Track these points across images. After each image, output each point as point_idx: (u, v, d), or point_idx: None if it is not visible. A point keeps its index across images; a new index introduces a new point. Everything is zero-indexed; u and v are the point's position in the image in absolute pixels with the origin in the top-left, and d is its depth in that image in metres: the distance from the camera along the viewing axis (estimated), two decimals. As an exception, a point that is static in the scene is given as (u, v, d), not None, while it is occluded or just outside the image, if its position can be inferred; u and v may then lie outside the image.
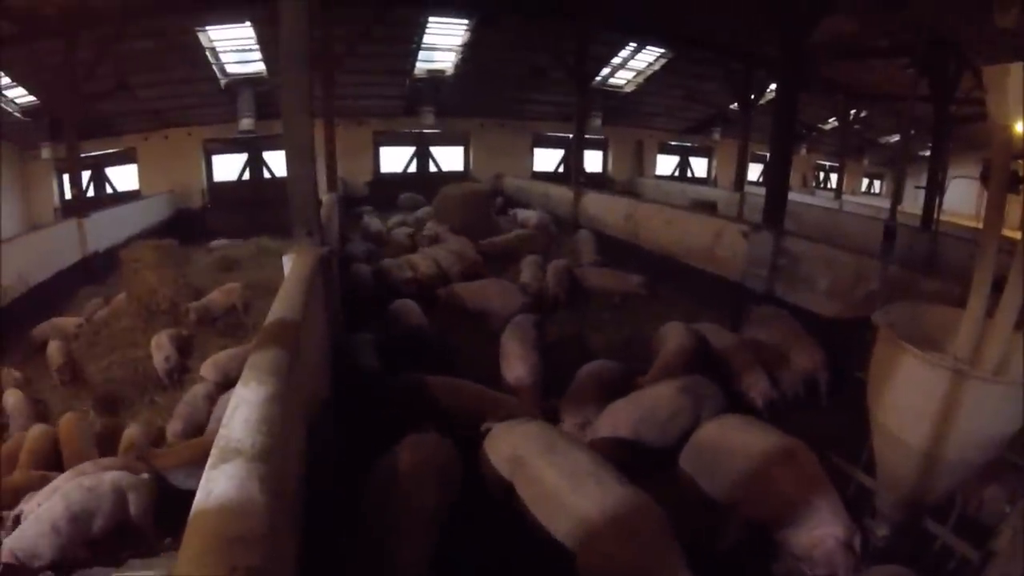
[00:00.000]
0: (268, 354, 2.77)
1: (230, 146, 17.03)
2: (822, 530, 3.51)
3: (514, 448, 3.76)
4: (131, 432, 5.70)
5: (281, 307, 3.48)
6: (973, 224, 13.25)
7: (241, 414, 2.34)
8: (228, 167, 17.48)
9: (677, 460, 4.32)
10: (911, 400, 3.40)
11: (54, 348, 7.65)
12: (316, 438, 3.34)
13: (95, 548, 4.25)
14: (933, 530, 3.78)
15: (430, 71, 17.13)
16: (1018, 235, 3.27)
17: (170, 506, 4.42)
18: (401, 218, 14.44)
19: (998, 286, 3.27)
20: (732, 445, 4.04)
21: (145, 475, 4.64)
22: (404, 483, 3.39)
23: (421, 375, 5.21)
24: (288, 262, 4.76)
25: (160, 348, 7.40)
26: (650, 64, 18.18)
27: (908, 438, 3.44)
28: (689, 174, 23.52)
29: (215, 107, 15.85)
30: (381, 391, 5.10)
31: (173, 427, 5.86)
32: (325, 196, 9.81)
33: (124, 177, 16.29)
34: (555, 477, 3.41)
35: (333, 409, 4.40)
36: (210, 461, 2.06)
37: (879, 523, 3.85)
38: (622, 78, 19.07)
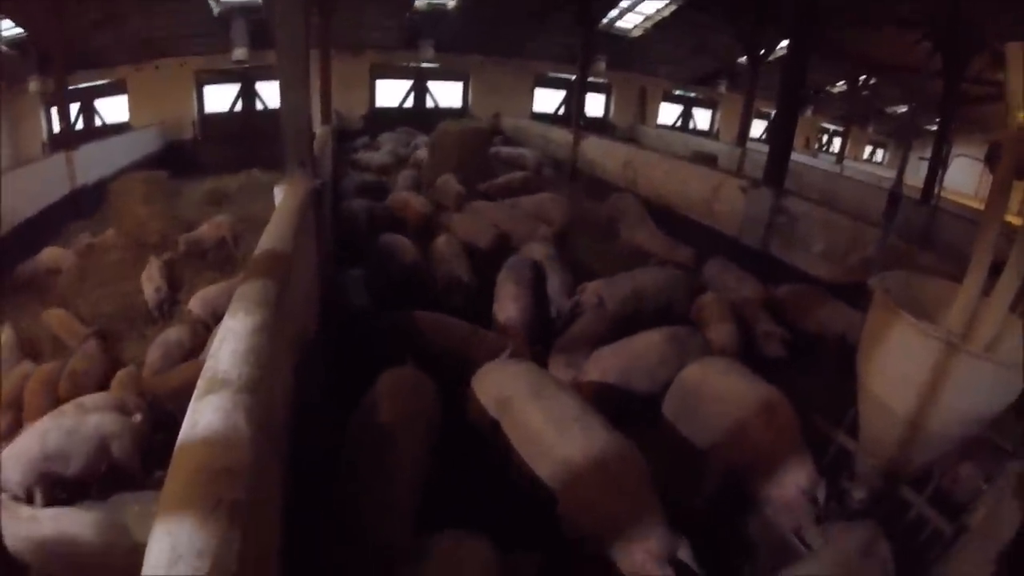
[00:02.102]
0: (257, 285, 2.71)
1: (223, 77, 16.43)
2: (787, 479, 3.58)
3: (502, 388, 3.77)
4: (127, 371, 5.58)
5: (271, 239, 3.39)
6: (971, 203, 13.25)
7: (228, 345, 2.30)
8: (220, 98, 16.87)
9: (661, 407, 4.36)
10: (901, 368, 3.43)
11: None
12: (304, 373, 3.31)
13: (77, 488, 4.23)
14: (909, 499, 3.85)
15: (431, 3, 16.48)
16: (1018, 220, 3.24)
17: (169, 435, 4.41)
18: (392, 148, 14.12)
19: (995, 268, 3.28)
20: (712, 390, 4.08)
21: (138, 416, 4.60)
22: (386, 423, 3.36)
23: (409, 311, 5.16)
24: (279, 193, 4.64)
25: (150, 280, 7.30)
26: (659, 10, 17.60)
27: (894, 405, 3.48)
28: (692, 126, 23.10)
29: (207, 37, 15.18)
30: (369, 328, 5.06)
31: (151, 357, 5.75)
32: (319, 128, 9.58)
33: (114, 109, 15.67)
34: (541, 420, 3.43)
35: (322, 345, 4.36)
36: (196, 392, 2.04)
37: (857, 486, 3.92)
38: (630, 22, 18.48)
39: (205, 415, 1.91)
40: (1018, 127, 3.08)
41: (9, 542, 3.51)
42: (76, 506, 3.64)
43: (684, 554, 2.87)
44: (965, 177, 17.71)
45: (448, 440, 3.75)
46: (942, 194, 10.48)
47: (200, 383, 2.08)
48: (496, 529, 2.89)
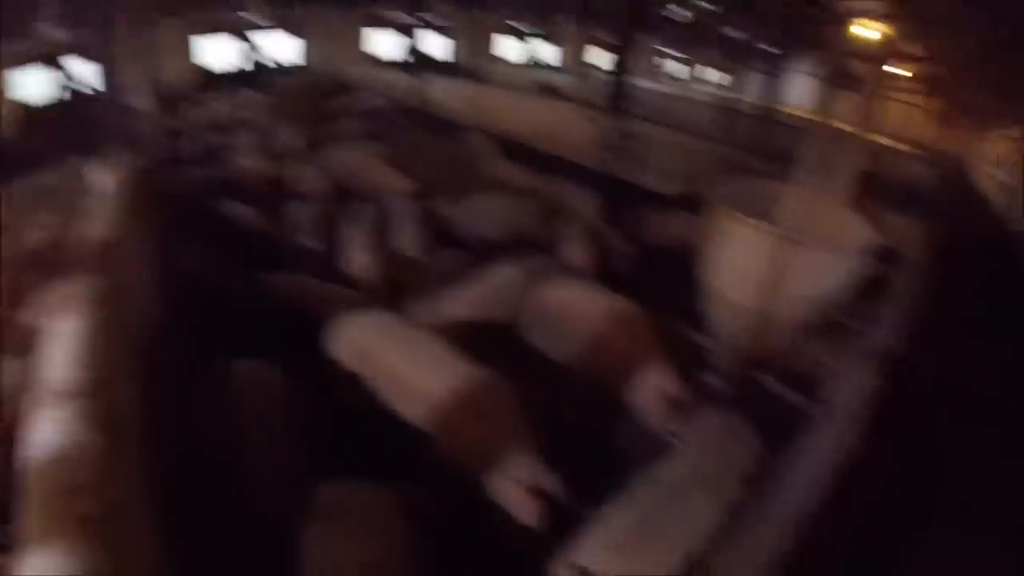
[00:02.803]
0: (83, 283, 2.47)
1: (36, 60, 14.14)
2: (649, 383, 3.78)
3: (358, 340, 3.72)
4: None
5: (94, 229, 3.07)
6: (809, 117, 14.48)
7: (59, 350, 2.11)
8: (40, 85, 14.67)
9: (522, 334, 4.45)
10: (742, 264, 3.73)
11: None
12: (152, 361, 3.08)
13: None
14: (765, 382, 4.19)
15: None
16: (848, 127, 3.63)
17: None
18: (227, 112, 13.05)
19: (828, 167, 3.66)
20: (568, 308, 4.21)
21: None
22: (245, 424, 3.07)
23: (261, 275, 4.93)
24: (101, 179, 4.18)
25: None
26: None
27: (739, 299, 3.80)
28: (536, 60, 23.21)
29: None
30: (222, 298, 4.78)
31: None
32: (145, 102, 8.67)
33: None
34: (402, 365, 3.42)
35: (170, 328, 4.06)
36: (36, 408, 1.89)
37: (714, 376, 4.26)
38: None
39: (47, 432, 1.77)
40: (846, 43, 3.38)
41: None
42: None
43: (546, 481, 2.98)
44: (804, 93, 19.31)
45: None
46: (781, 108, 11.34)
47: (36, 396, 1.93)
48: (377, 476, 2.89)
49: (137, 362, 2.87)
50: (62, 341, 2.17)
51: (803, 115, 14.36)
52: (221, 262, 5.58)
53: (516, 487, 2.93)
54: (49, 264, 7.40)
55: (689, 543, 2.50)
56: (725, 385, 4.21)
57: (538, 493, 2.93)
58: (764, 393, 4.21)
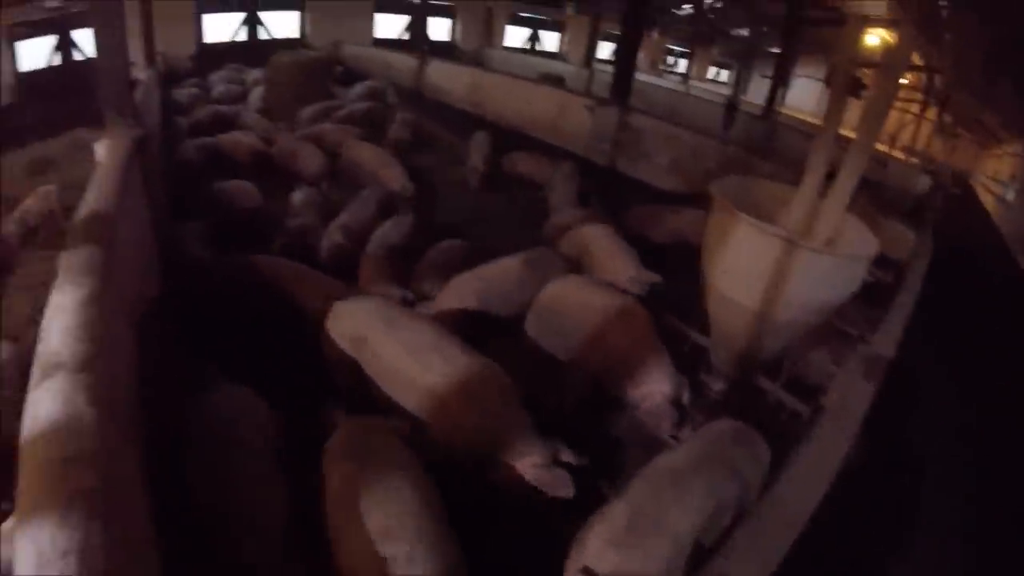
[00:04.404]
0: (81, 253, 2.44)
1: (36, 29, 13.92)
2: (650, 386, 3.80)
3: (355, 326, 3.67)
4: None
5: (92, 200, 3.03)
6: (811, 120, 14.50)
7: (58, 323, 2.09)
8: (35, 54, 14.41)
9: (523, 328, 4.46)
10: (744, 265, 3.72)
11: None
12: (147, 340, 3.04)
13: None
14: (765, 386, 4.25)
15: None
16: (852, 134, 3.62)
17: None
18: (224, 88, 12.87)
19: (829, 175, 3.64)
20: (572, 304, 4.22)
21: None
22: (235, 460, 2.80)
23: (246, 258, 4.78)
24: (101, 149, 4.11)
25: None
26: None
27: (741, 300, 3.80)
28: (539, 48, 23.10)
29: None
30: (211, 278, 4.73)
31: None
32: (143, 73, 8.56)
33: None
34: (399, 352, 3.38)
35: (164, 307, 4.02)
36: (32, 380, 1.87)
37: (714, 379, 4.30)
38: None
39: (44, 404, 1.76)
40: (853, 51, 3.37)
41: None
42: None
43: (565, 455, 3.01)
44: (806, 96, 19.32)
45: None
46: (785, 112, 11.35)
47: (34, 369, 1.91)
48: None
49: (132, 336, 2.83)
50: (59, 313, 2.14)
51: (807, 118, 14.38)
52: (212, 238, 5.52)
53: (532, 468, 2.94)
54: (45, 234, 7.38)
55: (687, 539, 2.50)
56: (724, 386, 4.23)
57: (561, 465, 2.96)
58: (762, 396, 4.25)
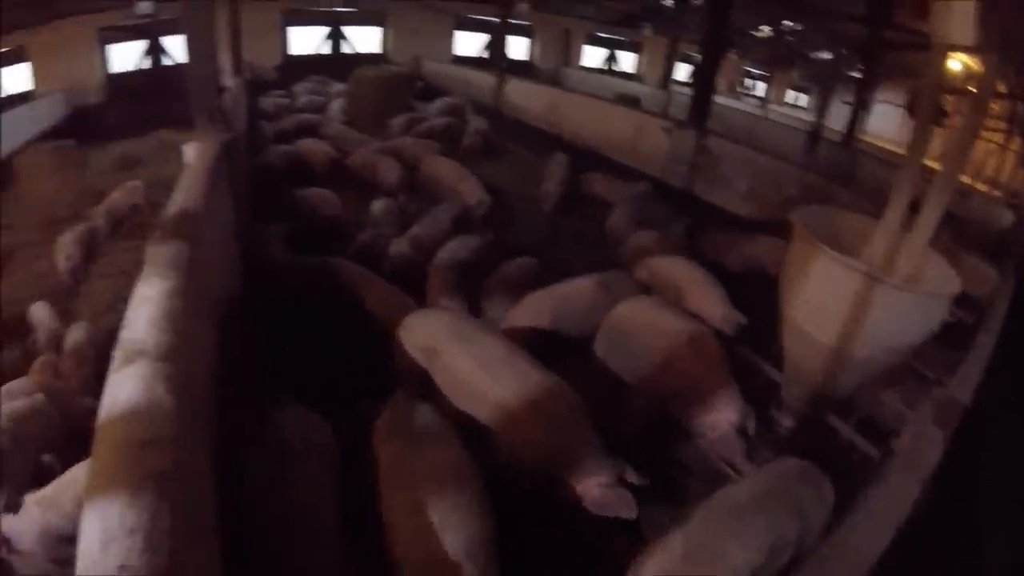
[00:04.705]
0: (168, 248, 2.55)
1: (127, 34, 15.04)
2: (717, 414, 3.71)
3: (428, 338, 3.72)
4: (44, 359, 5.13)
5: (181, 199, 3.18)
6: (892, 148, 13.87)
7: (143, 312, 2.17)
8: (126, 57, 15.50)
9: (592, 348, 4.42)
10: (823, 299, 3.57)
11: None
12: (226, 337, 3.16)
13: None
14: (836, 426, 4.06)
15: (344, -56, 15.53)
16: (936, 164, 3.43)
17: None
18: (308, 99, 13.42)
19: (912, 207, 3.46)
20: (642, 326, 4.17)
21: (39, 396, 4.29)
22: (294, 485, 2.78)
23: (326, 261, 4.98)
24: (190, 151, 4.35)
25: (61, 249, 6.77)
26: (584, -50, 17.21)
27: (817, 335, 3.64)
28: (616, 68, 23.05)
29: (108, -8, 13.85)
30: (288, 278, 4.89)
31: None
32: (230, 81, 9.02)
33: (16, 79, 14.15)
34: (471, 365, 3.41)
35: (243, 306, 4.19)
36: (114, 364, 1.92)
37: (784, 415, 4.14)
38: (553, -38, 18.01)
39: (125, 387, 1.81)
40: (938, 76, 3.21)
41: None
42: None
43: (630, 476, 2.99)
44: (886, 123, 18.52)
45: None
46: (864, 138, 10.89)
47: (117, 353, 1.97)
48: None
49: (212, 334, 2.94)
50: (144, 303, 2.23)
51: (888, 146, 13.73)
52: (292, 242, 5.72)
53: (599, 488, 2.93)
54: (129, 226, 7.85)
55: (744, 574, 2.44)
56: (793, 423, 4.05)
57: (625, 486, 2.96)
58: (832, 435, 4.06)
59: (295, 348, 4.16)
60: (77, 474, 3.35)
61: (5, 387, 4.35)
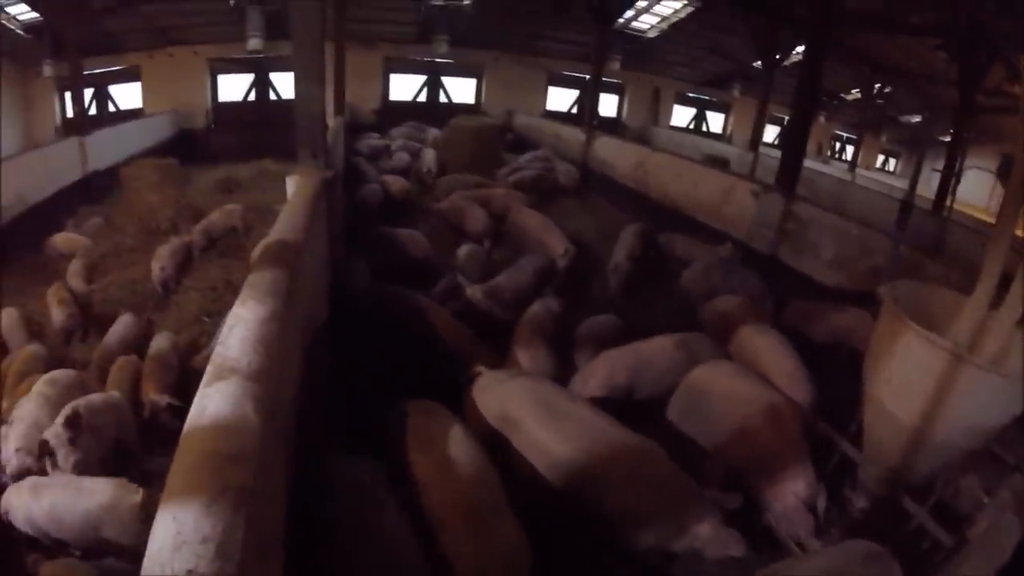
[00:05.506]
0: (267, 274, 2.72)
1: (236, 66, 16.41)
2: (787, 486, 3.61)
3: (507, 406, 3.66)
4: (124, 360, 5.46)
5: (283, 227, 3.40)
6: (983, 216, 13.11)
7: (238, 333, 2.29)
8: (233, 88, 16.89)
9: (664, 411, 4.37)
10: (907, 377, 3.42)
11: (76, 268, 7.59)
12: (311, 362, 3.32)
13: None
14: (910, 509, 3.84)
15: (446, -2, 16.44)
16: None
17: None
18: (403, 142, 14.09)
19: (1004, 281, 3.27)
20: (719, 391, 4.10)
21: (115, 394, 4.67)
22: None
23: (410, 291, 5.23)
24: (292, 183, 4.65)
25: (158, 259, 7.35)
26: (676, 11, 17.49)
27: (899, 414, 3.47)
28: (704, 128, 23.00)
29: (222, 26, 15.17)
30: (366, 302, 5.08)
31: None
32: (332, 120, 9.60)
33: (127, 96, 15.69)
34: (560, 440, 3.36)
35: (329, 333, 4.39)
36: (205, 378, 2.03)
37: (858, 495, 3.92)
38: (646, 22, 18.37)
39: (214, 401, 1.89)
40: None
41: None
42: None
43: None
44: (977, 189, 17.57)
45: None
46: (954, 206, 10.37)
47: (209, 368, 2.07)
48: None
49: (300, 360, 3.10)
50: (241, 324, 2.37)
51: (981, 216, 12.98)
52: (379, 276, 5.99)
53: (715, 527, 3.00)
54: (224, 246, 8.40)
55: None
56: (867, 504, 3.81)
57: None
58: (905, 519, 3.82)
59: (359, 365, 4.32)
60: (81, 483, 3.62)
61: (50, 374, 4.75)
